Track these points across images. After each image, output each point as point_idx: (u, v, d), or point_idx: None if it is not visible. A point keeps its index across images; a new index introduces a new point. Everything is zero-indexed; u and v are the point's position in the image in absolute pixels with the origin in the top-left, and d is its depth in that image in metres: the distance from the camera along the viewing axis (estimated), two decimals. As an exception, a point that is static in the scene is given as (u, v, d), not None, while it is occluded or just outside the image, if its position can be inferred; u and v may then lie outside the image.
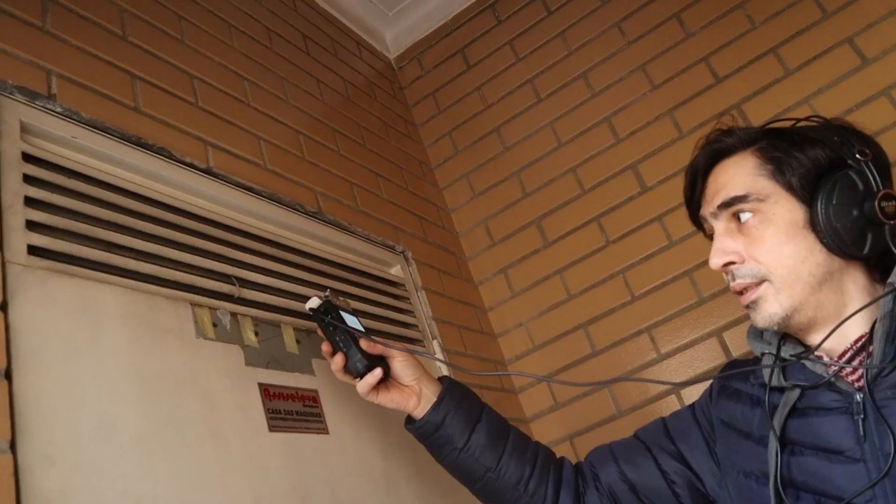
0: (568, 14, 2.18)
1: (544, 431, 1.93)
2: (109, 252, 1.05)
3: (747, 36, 1.91)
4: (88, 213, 1.05)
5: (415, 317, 1.73)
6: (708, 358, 1.78)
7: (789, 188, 0.94)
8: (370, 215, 1.78)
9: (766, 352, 1.01)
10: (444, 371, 1.60)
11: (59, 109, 1.10)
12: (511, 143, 2.19)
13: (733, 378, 1.09)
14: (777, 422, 0.95)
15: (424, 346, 1.70)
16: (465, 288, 2.08)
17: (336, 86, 1.99)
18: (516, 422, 1.91)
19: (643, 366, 1.85)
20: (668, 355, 1.83)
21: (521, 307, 2.06)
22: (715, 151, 1.02)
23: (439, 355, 1.71)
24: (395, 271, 1.79)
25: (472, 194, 2.23)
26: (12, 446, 0.79)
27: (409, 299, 1.76)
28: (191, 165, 1.28)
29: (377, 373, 1.11)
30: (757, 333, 1.04)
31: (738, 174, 0.98)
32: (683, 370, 1.81)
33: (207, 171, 1.31)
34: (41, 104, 1.08)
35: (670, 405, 1.75)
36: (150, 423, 0.95)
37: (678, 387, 1.31)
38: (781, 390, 0.97)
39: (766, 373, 0.99)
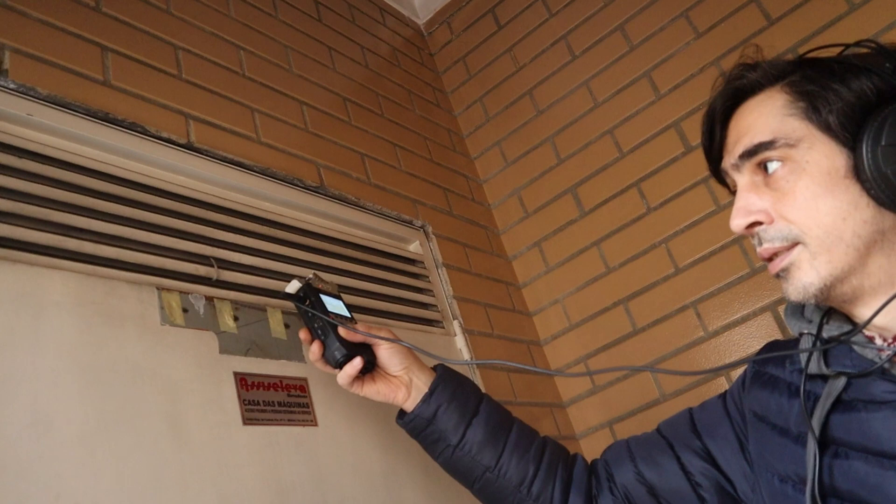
0: (603, -37, 2.00)
1: (582, 417, 1.79)
2: (63, 235, 0.97)
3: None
4: (41, 194, 0.98)
5: (434, 296, 1.61)
6: (762, 335, 1.59)
7: (826, 129, 0.76)
8: (385, 189, 1.66)
9: (806, 331, 0.84)
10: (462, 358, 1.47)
11: (11, 86, 1.03)
12: (544, 105, 2.03)
13: (769, 363, 0.91)
14: (817, 417, 0.78)
15: (444, 328, 1.58)
16: (497, 264, 1.94)
17: (353, 54, 1.88)
18: (552, 407, 1.77)
19: (689, 345, 1.68)
20: (717, 333, 1.65)
21: (557, 283, 1.91)
22: (736, 90, 0.85)
23: (459, 337, 1.59)
24: (414, 248, 1.67)
25: (504, 163, 2.08)
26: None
27: (427, 277, 1.64)
28: (168, 140, 1.20)
29: (356, 363, 1.00)
30: (797, 309, 0.87)
31: (764, 116, 0.81)
32: (734, 350, 1.63)
33: (188, 147, 1.23)
34: (-10, 81, 1.00)
35: (719, 390, 1.58)
36: (95, 419, 0.87)
37: (711, 373, 1.14)
38: (825, 378, 0.80)
39: (804, 357, 0.82)
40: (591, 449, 1.75)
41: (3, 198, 0.93)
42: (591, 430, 1.78)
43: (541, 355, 1.88)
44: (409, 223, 1.68)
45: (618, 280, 1.81)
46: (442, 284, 1.67)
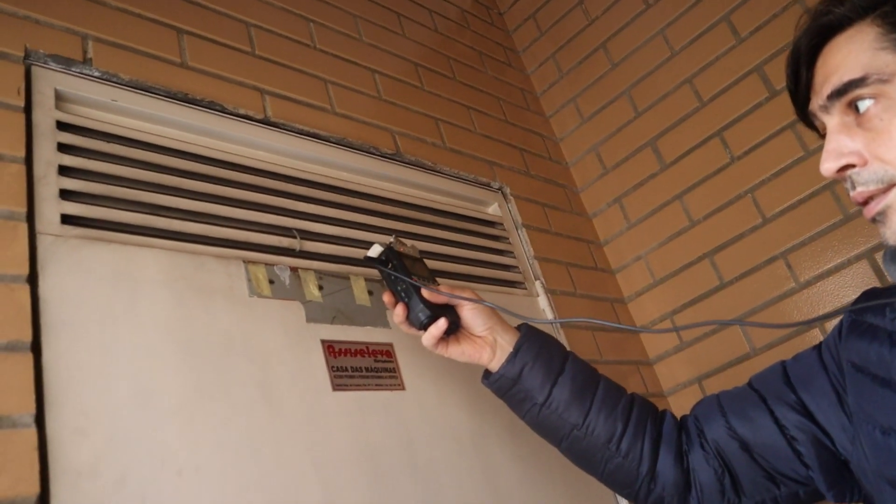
0: None
1: (670, 374, 1.76)
2: (152, 214, 1.01)
3: None
4: (129, 176, 1.03)
5: (515, 257, 1.61)
6: (858, 284, 1.52)
7: None
8: (460, 152, 1.66)
9: (908, 278, 0.80)
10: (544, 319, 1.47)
11: (96, 74, 1.07)
12: (618, 59, 1.97)
13: (868, 312, 0.87)
14: None
15: (526, 289, 1.58)
16: (577, 222, 1.92)
17: (422, 19, 1.87)
18: (638, 365, 1.75)
19: (779, 297, 1.62)
20: (809, 284, 1.58)
21: (639, 238, 1.87)
22: (822, 27, 0.80)
23: (542, 297, 1.58)
24: (493, 210, 1.67)
25: (580, 120, 2.04)
26: (38, 420, 0.78)
27: (507, 239, 1.63)
28: (245, 117, 1.23)
29: (441, 324, 1.01)
30: (896, 254, 0.83)
31: (854, 52, 0.75)
32: (827, 300, 1.56)
33: (265, 122, 1.25)
34: (77, 70, 1.05)
35: (812, 343, 1.51)
36: (193, 389, 0.91)
37: (806, 325, 1.07)
38: (927, 327, 0.77)
39: (905, 305, 0.78)
40: (679, 406, 1.72)
41: (95, 181, 0.98)
42: (679, 386, 1.74)
43: (625, 313, 1.86)
44: (486, 185, 1.68)
45: (702, 233, 1.76)
46: (522, 245, 1.66)
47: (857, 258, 1.53)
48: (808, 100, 0.83)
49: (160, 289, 0.96)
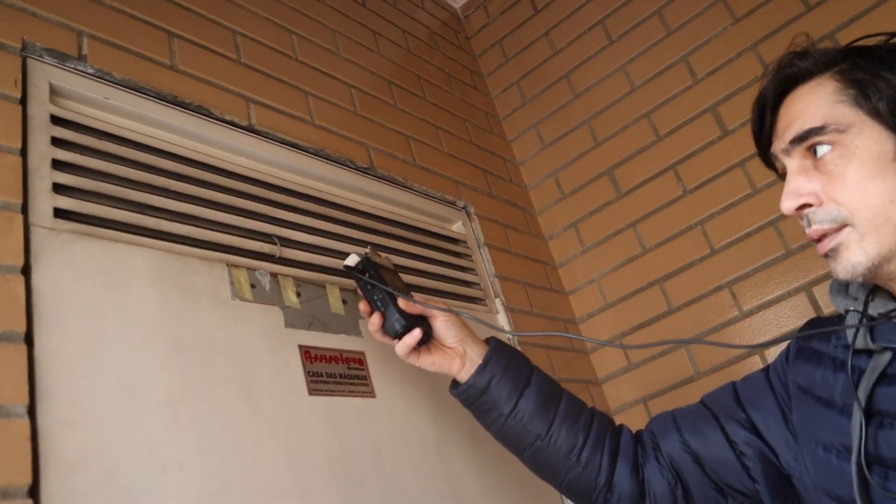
0: (642, -53, 2.01)
1: (617, 394, 1.84)
2: (141, 213, 1.03)
3: (845, -43, 1.70)
4: (119, 174, 1.04)
5: (476, 274, 1.67)
6: (796, 315, 1.63)
7: (876, 115, 0.80)
8: (429, 170, 1.71)
9: (852, 308, 0.88)
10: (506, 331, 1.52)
11: (90, 70, 1.08)
12: (581, 89, 2.06)
13: (813, 338, 0.96)
14: (863, 389, 0.83)
15: (486, 305, 1.63)
16: (534, 243, 1.99)
17: (395, 37, 1.92)
18: (588, 384, 1.83)
19: (724, 324, 1.72)
20: (752, 313, 1.69)
21: (593, 263, 1.96)
22: (787, 78, 0.89)
23: (502, 314, 1.64)
24: (457, 227, 1.72)
25: (541, 145, 2.12)
26: (31, 411, 0.78)
27: (470, 256, 1.69)
28: (231, 123, 1.25)
29: (415, 333, 1.05)
30: (841, 287, 0.91)
31: (814, 102, 0.84)
32: (767, 329, 1.67)
33: (249, 129, 1.28)
34: (72, 66, 1.06)
35: (753, 367, 1.61)
36: (178, 387, 0.93)
37: (756, 349, 1.16)
38: (869, 353, 0.85)
39: (850, 333, 0.87)
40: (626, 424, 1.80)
41: (87, 177, 0.99)
42: (625, 405, 1.82)
43: (576, 333, 1.93)
44: (452, 204, 1.73)
45: (654, 260, 1.85)
46: (484, 263, 1.72)
47: (797, 290, 1.64)
48: (770, 143, 0.91)
49: (148, 287, 0.97)
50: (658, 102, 1.92)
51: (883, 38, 0.87)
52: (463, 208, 1.76)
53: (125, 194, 1.02)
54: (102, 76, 1.09)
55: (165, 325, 0.96)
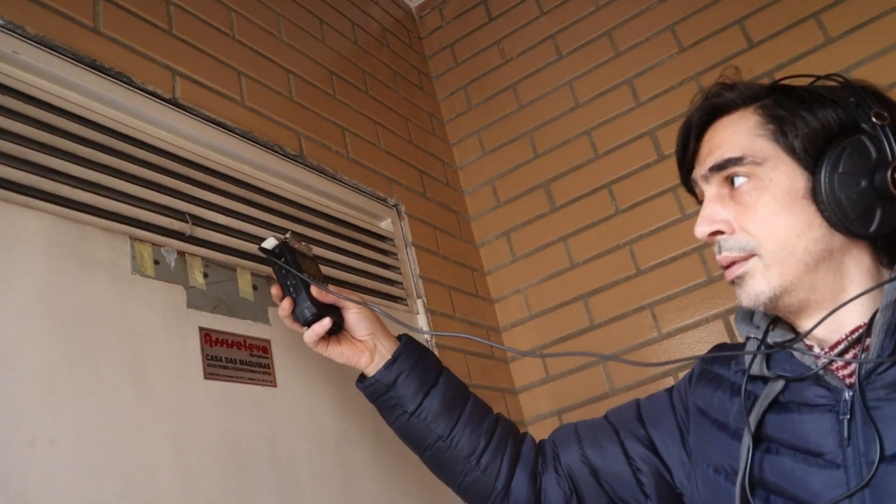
0: (597, -33, 2.03)
1: (533, 404, 1.84)
2: (40, 176, 0.98)
3: (787, -1, 1.75)
4: (20, 132, 0.98)
5: (401, 273, 1.64)
6: (712, 340, 1.65)
7: (791, 152, 0.82)
8: (362, 164, 1.68)
9: (752, 336, 0.90)
10: (424, 332, 1.51)
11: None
12: (526, 101, 2.07)
13: (716, 363, 0.97)
14: (754, 415, 0.85)
15: (407, 305, 1.61)
16: (464, 249, 1.98)
17: (343, 29, 1.89)
18: (504, 392, 1.82)
19: (642, 344, 1.73)
20: (670, 335, 1.71)
21: (522, 273, 1.96)
22: (713, 107, 0.90)
23: (422, 315, 1.62)
24: (385, 225, 1.70)
25: (481, 152, 2.11)
26: None
27: (396, 255, 1.67)
28: (153, 94, 1.21)
29: (325, 323, 1.02)
30: (746, 315, 0.93)
31: (736, 134, 0.86)
32: (684, 352, 1.69)
33: (172, 102, 1.23)
34: (-21, 14, 1.00)
35: (666, 386, 1.63)
36: (59, 358, 0.89)
37: (661, 366, 1.16)
38: (765, 380, 0.87)
39: (748, 359, 0.88)
40: (538, 435, 1.77)
41: (-16, 133, 0.94)
42: (540, 416, 1.83)
43: (499, 341, 1.93)
44: (383, 200, 1.71)
45: (580, 276, 1.86)
46: (409, 263, 1.70)
47: (715, 317, 1.67)
48: (692, 168, 0.92)
49: (38, 252, 0.92)
50: (600, 121, 1.93)
51: (809, 80, 0.88)
52: (394, 206, 1.74)
53: (24, 154, 0.97)
54: (13, 29, 1.04)
55: (53, 294, 0.92)
